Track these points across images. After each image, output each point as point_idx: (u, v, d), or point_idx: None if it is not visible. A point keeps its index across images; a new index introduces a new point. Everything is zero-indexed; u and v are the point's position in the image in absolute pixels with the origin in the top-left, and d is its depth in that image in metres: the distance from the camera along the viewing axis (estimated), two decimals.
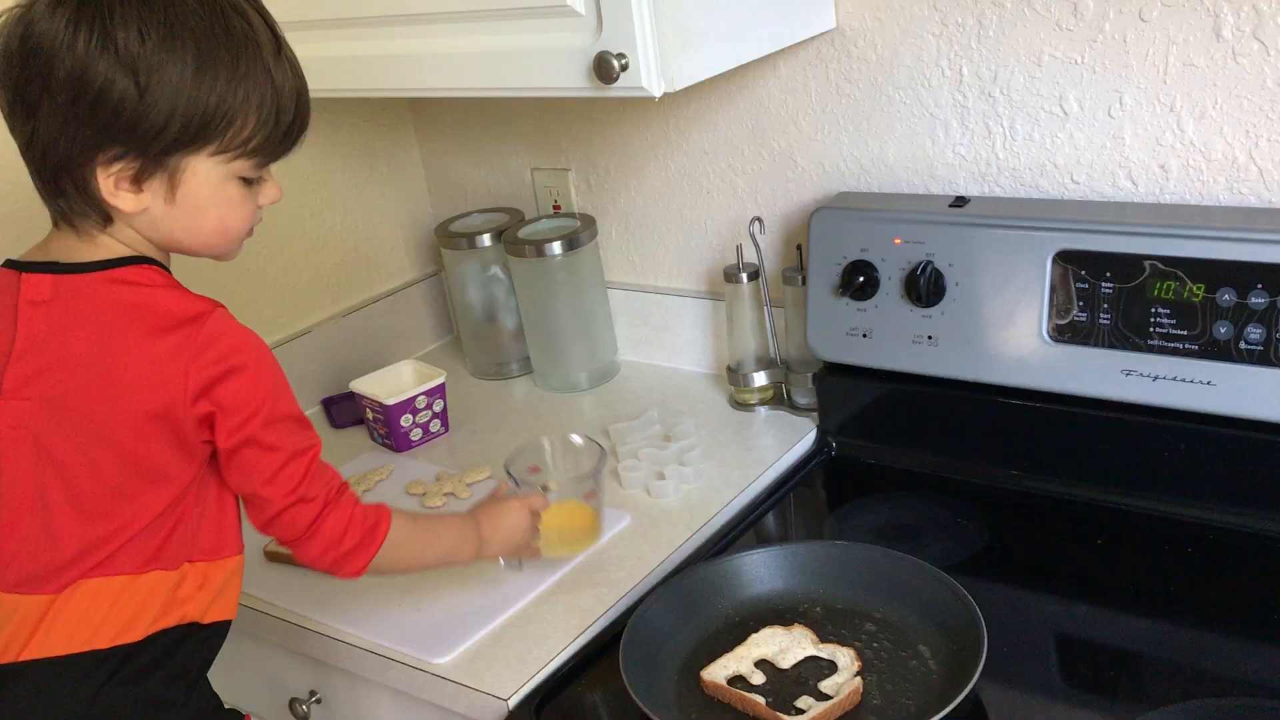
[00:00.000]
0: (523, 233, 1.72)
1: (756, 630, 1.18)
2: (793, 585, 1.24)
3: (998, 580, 1.26)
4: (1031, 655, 1.13)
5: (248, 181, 1.05)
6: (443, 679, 1.17)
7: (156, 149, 0.98)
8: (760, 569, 1.24)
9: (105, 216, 1.02)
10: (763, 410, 1.63)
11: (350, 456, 1.65)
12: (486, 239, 1.76)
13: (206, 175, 1.01)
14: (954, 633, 1.12)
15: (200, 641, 1.10)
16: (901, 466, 1.47)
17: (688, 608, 1.21)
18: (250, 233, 1.10)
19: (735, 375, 1.63)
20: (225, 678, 1.46)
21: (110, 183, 0.99)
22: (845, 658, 1.13)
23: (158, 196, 1.01)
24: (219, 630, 1.12)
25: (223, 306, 1.04)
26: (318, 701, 1.38)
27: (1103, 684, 1.09)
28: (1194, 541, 1.25)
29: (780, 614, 1.21)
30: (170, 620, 1.06)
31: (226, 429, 1.02)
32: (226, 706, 1.17)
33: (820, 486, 1.50)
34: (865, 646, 1.15)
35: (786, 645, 1.15)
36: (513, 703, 1.13)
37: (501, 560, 1.26)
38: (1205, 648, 1.11)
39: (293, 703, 1.37)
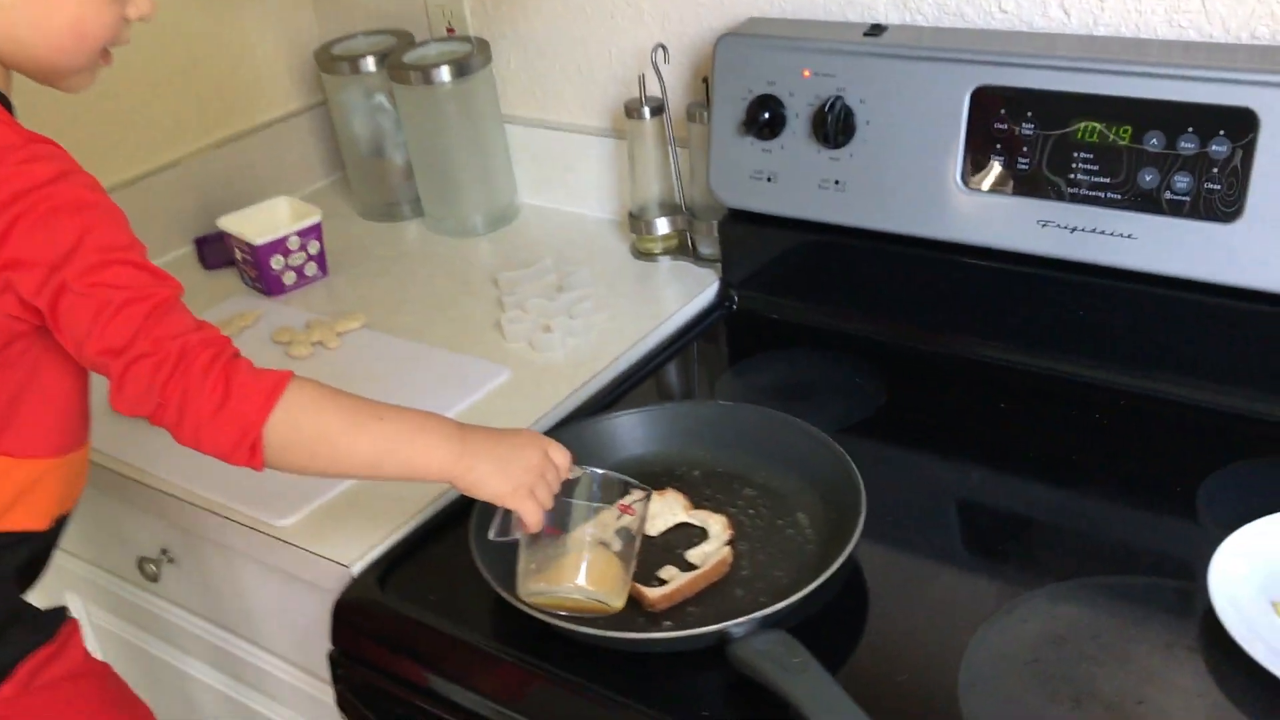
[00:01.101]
0: (409, 57, 1.56)
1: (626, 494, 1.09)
2: (671, 447, 1.15)
3: (893, 444, 1.18)
4: (922, 524, 1.06)
5: None
6: (283, 542, 1.08)
7: None
8: (636, 430, 1.15)
9: None
10: (665, 261, 1.51)
11: (219, 300, 1.53)
12: (371, 63, 1.60)
13: None
14: (835, 500, 1.03)
15: None
16: (805, 322, 1.37)
17: None
18: (109, 57, 0.95)
19: (637, 222, 1.51)
20: (82, 539, 1.37)
21: None
22: (717, 525, 1.04)
23: None
24: (11, 541, 0.96)
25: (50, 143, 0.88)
26: (170, 561, 1.29)
27: (994, 554, 1.02)
28: (1104, 408, 1.16)
29: (656, 477, 1.12)
30: None
31: (32, 285, 0.85)
32: (50, 607, 1.03)
33: (719, 342, 1.40)
34: (740, 513, 1.07)
35: (656, 511, 1.06)
36: (356, 570, 1.05)
37: (493, 528, 0.95)
38: (1108, 521, 1.04)
39: (141, 562, 1.28)
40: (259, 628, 1.23)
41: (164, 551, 1.29)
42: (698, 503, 1.08)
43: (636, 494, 0.98)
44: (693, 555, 1.02)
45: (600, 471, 1.00)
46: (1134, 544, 1.01)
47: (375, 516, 1.09)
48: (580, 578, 0.93)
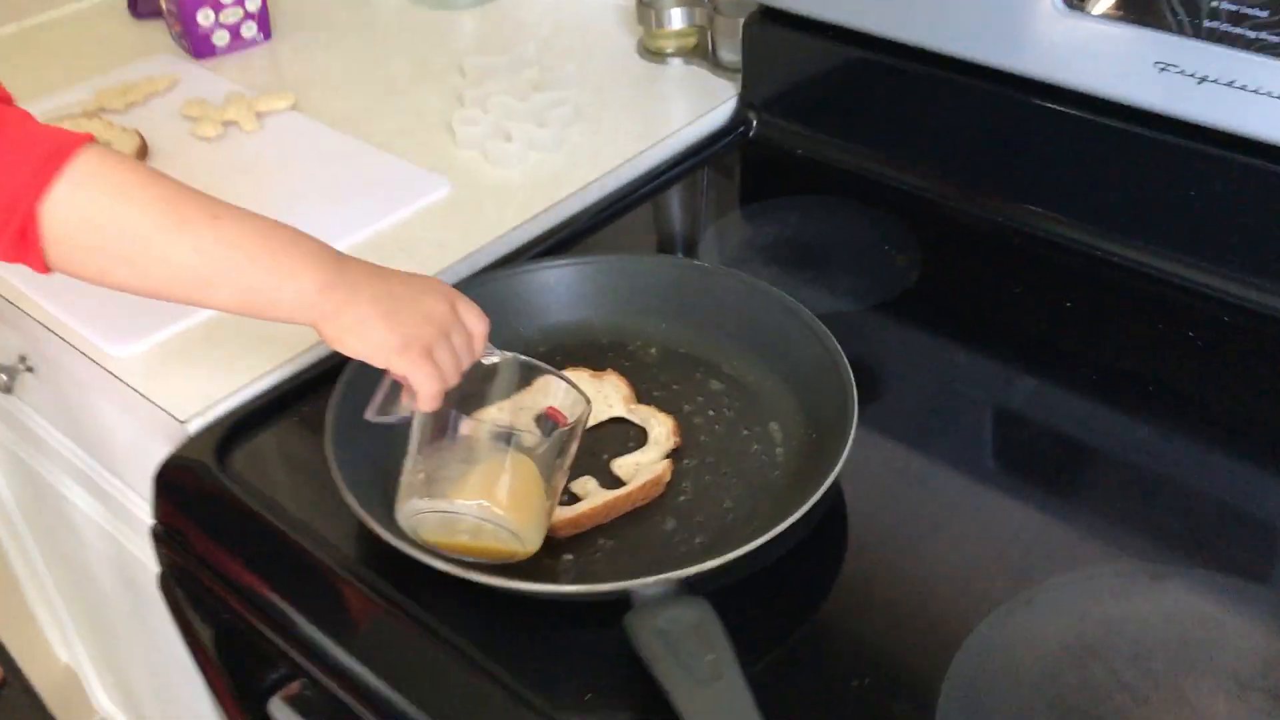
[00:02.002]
0: None
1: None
2: (626, 315, 0.88)
3: (916, 338, 0.91)
4: (935, 456, 0.80)
5: None
6: (114, 377, 0.85)
7: None
8: (584, 286, 0.89)
9: None
10: (676, 64, 1.22)
11: (138, 57, 1.26)
12: None
13: None
14: (819, 412, 0.77)
15: None
16: (834, 163, 1.08)
17: None
18: None
19: (647, 11, 1.21)
20: None
21: None
22: (660, 428, 0.79)
23: None
24: None
25: None
26: (29, 370, 1.07)
27: (1023, 510, 0.76)
28: (1208, 323, 0.88)
29: (599, 352, 0.87)
30: None
31: None
32: None
33: (722, 179, 1.12)
34: (697, 413, 0.81)
35: (590, 397, 0.81)
36: (193, 427, 0.81)
37: (373, 404, 0.69)
38: (1192, 479, 0.76)
39: None
40: (120, 463, 1.02)
41: (22, 359, 1.07)
42: (644, 394, 0.83)
43: (574, 399, 0.73)
44: (620, 466, 0.77)
45: (529, 360, 0.74)
46: (1223, 520, 0.74)
47: (236, 358, 0.85)
48: (495, 497, 0.67)
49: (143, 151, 1.08)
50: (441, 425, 0.69)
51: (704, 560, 0.66)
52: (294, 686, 0.75)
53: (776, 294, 0.83)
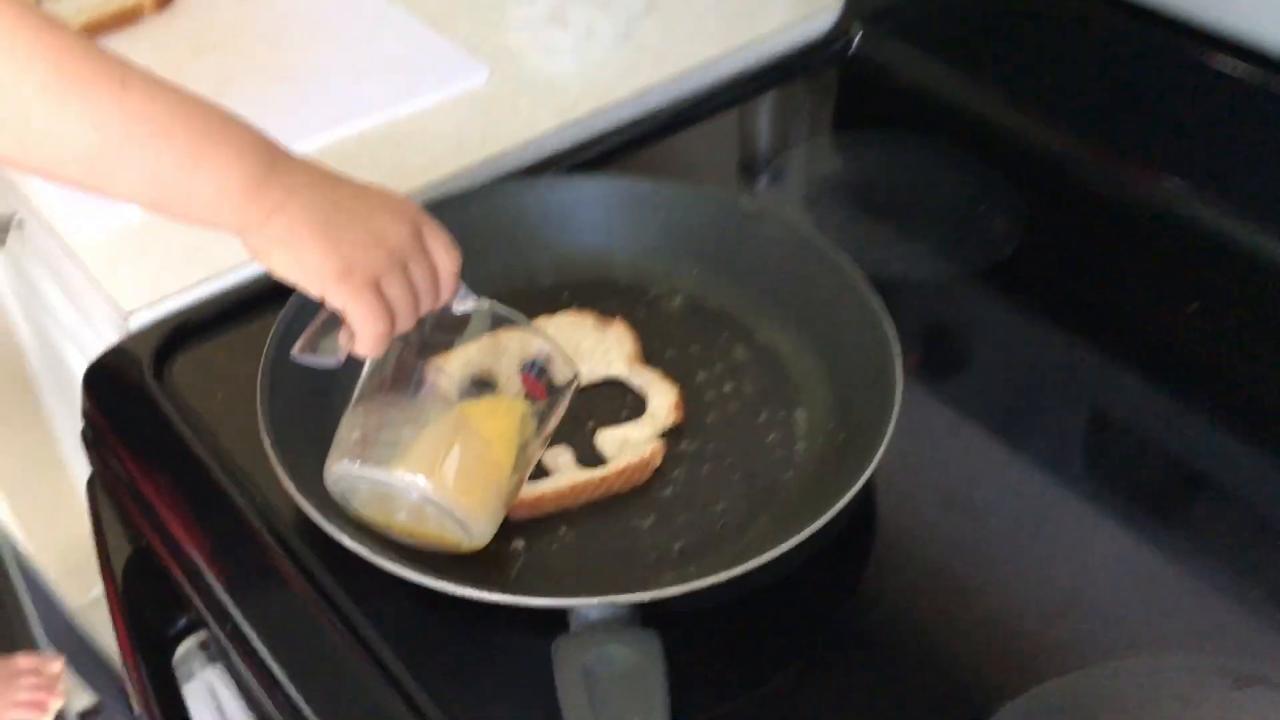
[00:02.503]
0: None
1: (559, 310, 0.71)
2: (654, 253, 0.75)
3: (998, 323, 0.75)
4: (1001, 469, 0.66)
5: None
6: (67, 255, 0.75)
7: None
8: (609, 213, 0.75)
9: None
10: None
11: None
12: None
13: None
14: (855, 404, 0.64)
15: None
16: (942, 97, 0.91)
17: (468, 246, 0.73)
18: None
19: None
20: None
21: None
22: (662, 399, 0.66)
23: None
24: None
25: None
26: (18, 225, 0.98)
27: (1102, 557, 0.61)
28: None
29: (616, 293, 0.74)
30: None
31: None
32: None
33: (804, 100, 0.96)
34: (710, 386, 0.68)
35: (587, 352, 0.68)
36: (133, 324, 0.71)
37: (302, 339, 0.55)
38: None
39: None
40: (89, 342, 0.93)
41: (15, 213, 0.98)
42: (654, 352, 0.70)
43: (560, 368, 0.60)
44: (605, 439, 0.64)
45: (507, 312, 0.59)
46: None
47: (203, 249, 0.74)
48: (440, 474, 0.55)
49: None
50: (394, 376, 0.57)
51: (664, 582, 0.54)
52: (200, 635, 0.65)
53: (830, 251, 0.69)
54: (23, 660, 0.92)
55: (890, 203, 0.84)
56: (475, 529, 0.56)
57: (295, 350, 0.55)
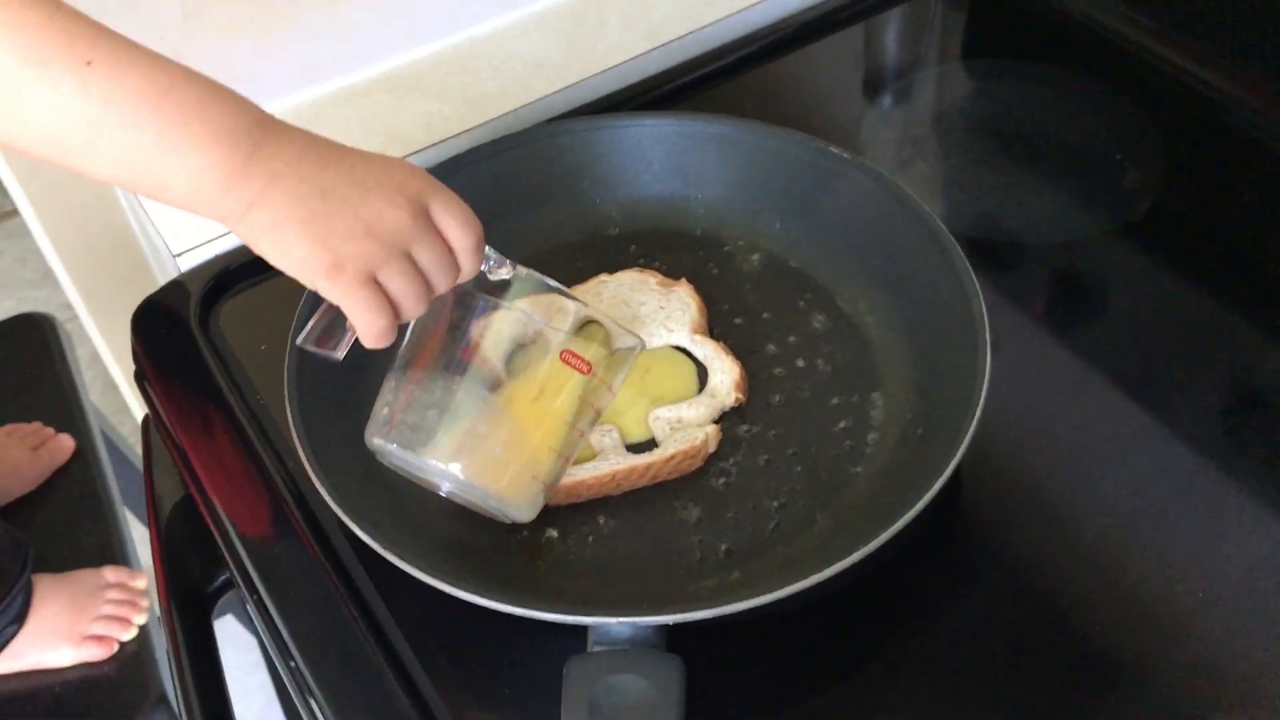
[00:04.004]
0: None
1: (620, 269, 0.65)
2: (734, 203, 0.68)
3: (1122, 294, 0.66)
4: (1113, 467, 0.58)
5: None
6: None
7: None
8: (686, 155, 0.68)
9: None
10: None
11: None
12: None
13: None
14: (935, 396, 0.57)
15: None
16: (1089, 21, 0.80)
17: (528, 192, 0.68)
18: None
19: None
20: None
21: None
22: (725, 377, 0.60)
23: None
24: None
25: None
26: None
27: (1234, 531, 0.54)
28: None
29: (690, 246, 0.67)
30: None
31: None
32: None
33: (932, 16, 0.86)
34: (781, 360, 0.61)
35: (647, 317, 0.62)
36: (184, 264, 0.68)
37: (307, 328, 0.50)
38: None
39: None
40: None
41: None
42: (723, 317, 0.63)
43: (620, 337, 0.54)
44: (658, 417, 0.59)
45: (553, 285, 0.53)
46: None
47: None
48: (465, 460, 0.51)
49: None
50: (425, 351, 0.52)
51: (703, 591, 0.49)
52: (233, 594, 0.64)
53: (925, 216, 0.61)
54: (110, 573, 0.93)
55: (1008, 146, 0.75)
56: (514, 512, 0.52)
57: (299, 340, 0.51)
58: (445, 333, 0.52)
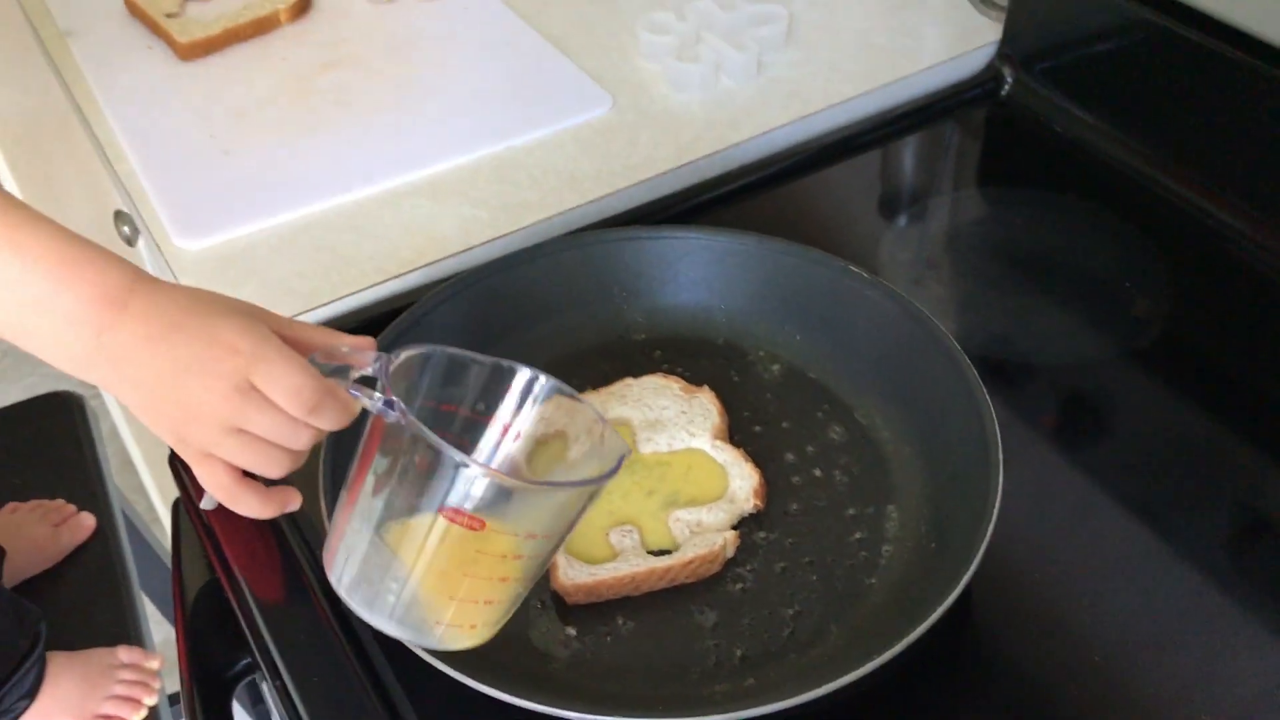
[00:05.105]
0: None
1: (645, 374, 0.68)
2: (757, 315, 0.71)
3: (1129, 420, 0.68)
4: (1124, 584, 0.59)
5: None
6: (166, 265, 0.76)
7: None
8: (711, 268, 0.71)
9: None
10: None
11: None
12: None
13: None
14: (950, 511, 0.58)
15: None
16: (1095, 152, 0.84)
17: (561, 288, 0.70)
18: None
19: None
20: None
21: None
22: (742, 482, 0.62)
23: None
24: None
25: None
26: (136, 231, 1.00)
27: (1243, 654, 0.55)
28: None
29: (712, 354, 0.70)
30: None
31: None
32: None
33: (947, 145, 0.90)
34: (799, 469, 0.63)
35: (669, 421, 0.65)
36: None
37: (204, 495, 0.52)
38: None
39: (117, 217, 1.01)
40: None
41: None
42: (744, 424, 0.66)
43: (607, 439, 0.53)
44: (678, 519, 0.61)
45: (534, 373, 0.52)
46: None
47: (302, 278, 0.74)
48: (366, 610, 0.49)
49: (302, 6, 0.96)
50: (356, 491, 0.49)
51: (717, 696, 0.51)
52: (252, 680, 0.65)
53: (941, 335, 0.63)
54: (123, 653, 0.94)
55: (1021, 271, 0.78)
56: (469, 636, 0.50)
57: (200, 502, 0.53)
58: (355, 461, 0.49)
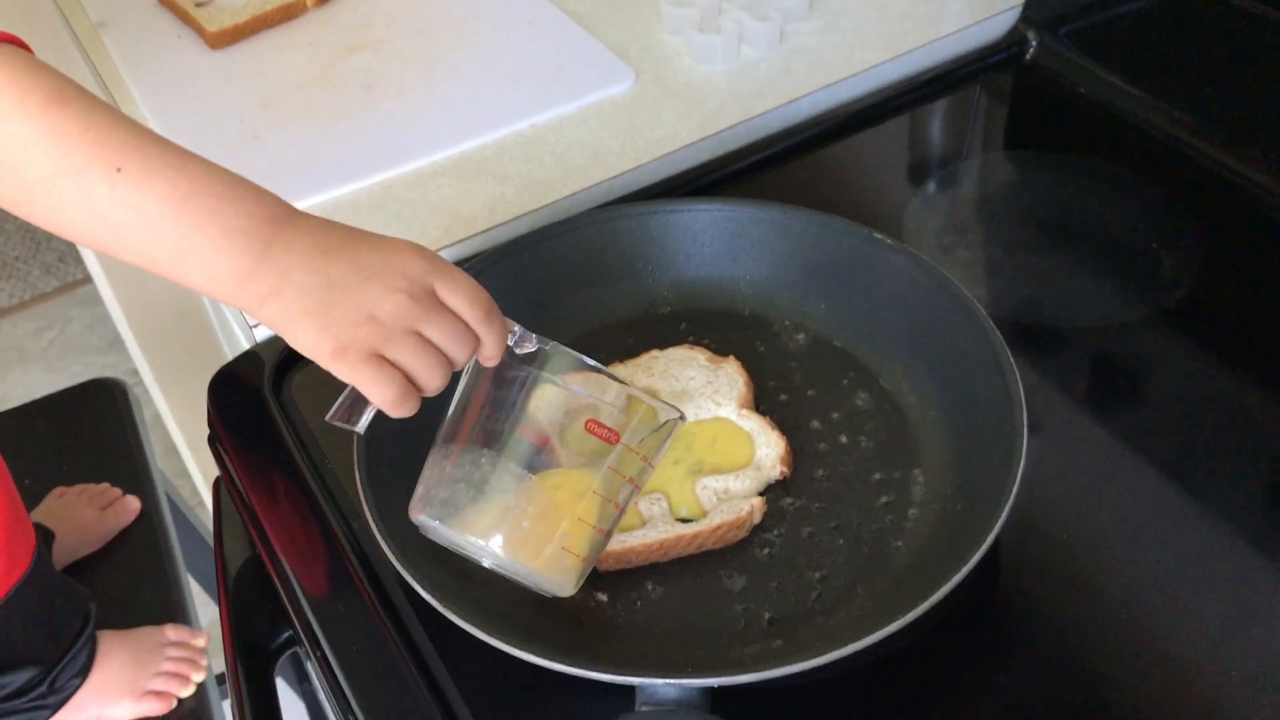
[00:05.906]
0: None
1: (671, 346, 0.68)
2: (782, 284, 0.71)
3: (1156, 384, 0.68)
4: (1153, 546, 0.59)
5: None
6: None
7: None
8: (736, 239, 0.72)
9: None
10: None
11: None
12: None
13: None
14: (975, 474, 0.59)
15: None
16: (1121, 114, 0.83)
17: (587, 264, 0.71)
18: None
19: None
20: None
21: None
22: (770, 451, 0.63)
23: None
24: None
25: None
26: None
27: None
28: None
29: (738, 324, 0.70)
30: None
31: None
32: None
33: (973, 111, 0.89)
34: (825, 436, 0.64)
35: (695, 391, 0.65)
36: (259, 334, 0.72)
37: (334, 409, 0.53)
38: None
39: None
40: None
41: None
42: (769, 393, 0.66)
43: (661, 411, 0.55)
44: (705, 487, 0.61)
45: (583, 359, 0.55)
46: None
47: None
48: (501, 537, 0.53)
49: None
50: (457, 426, 0.55)
51: (746, 657, 0.51)
52: (295, 655, 0.66)
53: (966, 300, 0.63)
54: (171, 631, 0.96)
55: (1047, 235, 0.77)
56: (552, 587, 0.54)
57: (328, 415, 0.54)
58: (483, 408, 0.54)
